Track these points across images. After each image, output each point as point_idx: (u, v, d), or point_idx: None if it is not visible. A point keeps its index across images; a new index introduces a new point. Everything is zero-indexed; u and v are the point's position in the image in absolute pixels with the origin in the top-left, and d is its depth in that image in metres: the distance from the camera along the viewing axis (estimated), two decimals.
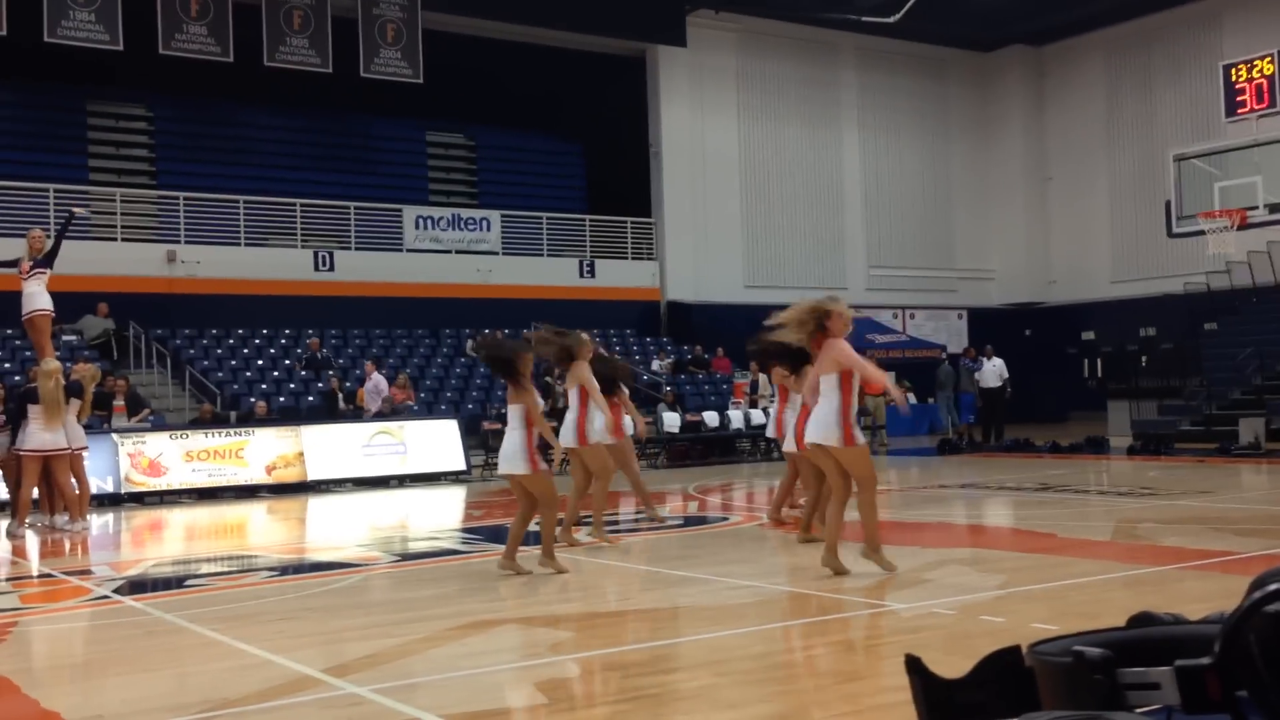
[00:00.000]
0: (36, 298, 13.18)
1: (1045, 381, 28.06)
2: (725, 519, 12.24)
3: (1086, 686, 2.17)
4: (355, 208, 23.95)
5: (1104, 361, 28.40)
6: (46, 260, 13.34)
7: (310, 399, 19.60)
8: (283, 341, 21.91)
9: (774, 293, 27.48)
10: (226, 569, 9.62)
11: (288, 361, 21.20)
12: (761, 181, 27.93)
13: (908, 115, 30.13)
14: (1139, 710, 2.14)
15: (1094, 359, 29.13)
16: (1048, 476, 15.30)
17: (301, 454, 16.71)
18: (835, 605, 6.89)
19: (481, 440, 18.38)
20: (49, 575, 9.58)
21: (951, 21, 28.86)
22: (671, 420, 20.51)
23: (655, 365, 23.87)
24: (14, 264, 13.44)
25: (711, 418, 21.16)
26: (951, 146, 30.97)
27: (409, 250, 24.10)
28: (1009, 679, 2.28)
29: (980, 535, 10.67)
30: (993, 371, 22.35)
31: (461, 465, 17.84)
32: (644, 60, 27.17)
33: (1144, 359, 25.64)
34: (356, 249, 23.67)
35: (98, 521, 13.49)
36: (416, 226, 24.37)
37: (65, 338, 18.55)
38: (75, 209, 14.70)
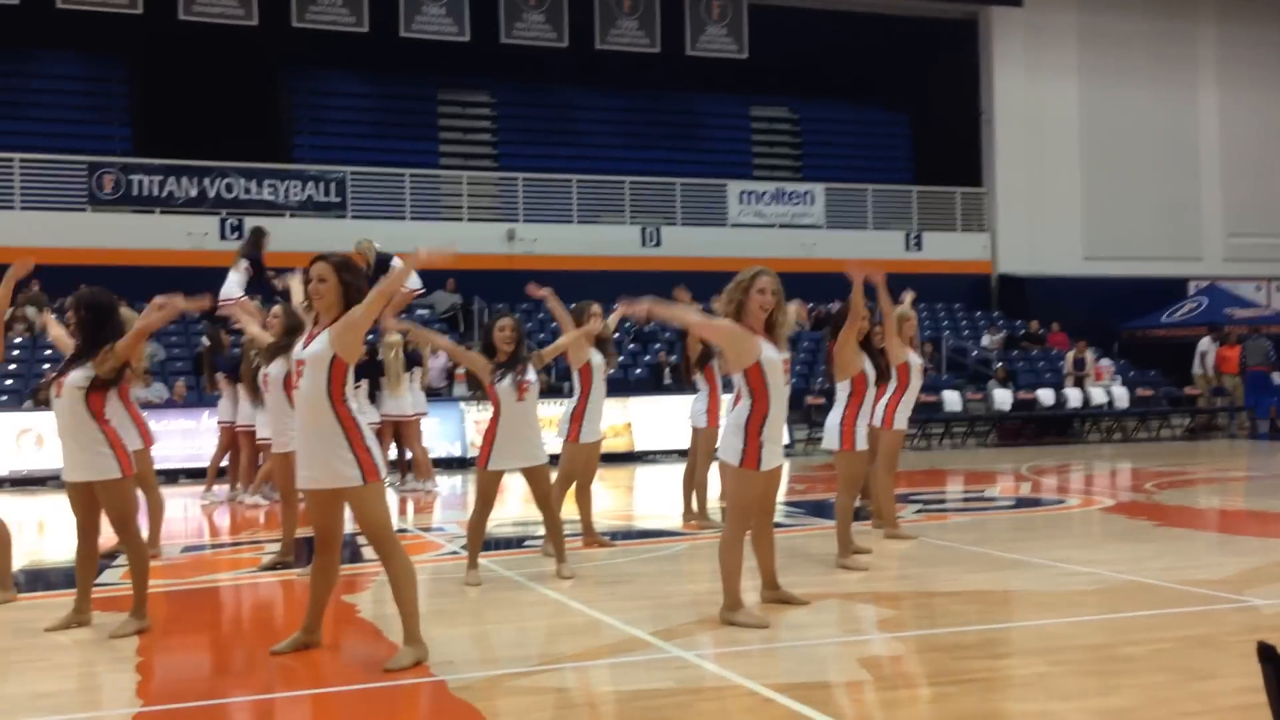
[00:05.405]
0: None
1: None
2: (1061, 501, 11.66)
3: None
4: (681, 184, 24.42)
5: None
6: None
7: (638, 371, 20.19)
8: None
9: (1117, 264, 25.89)
10: None
11: (617, 334, 21.92)
12: (1103, 146, 26.23)
13: (1276, 69, 27.42)
14: None
15: None
16: None
17: (629, 424, 17.30)
18: (1184, 597, 6.41)
19: (805, 414, 18.34)
20: (404, 531, 10.37)
21: None
22: (1003, 398, 19.73)
23: (985, 340, 23.01)
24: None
25: (1046, 396, 20.19)
26: None
27: (733, 225, 24.34)
28: None
29: None
30: None
31: (785, 439, 17.86)
32: (975, 23, 26.10)
33: None
34: (682, 224, 24.15)
35: (446, 483, 14.48)
36: (740, 201, 24.57)
37: (418, 312, 19.96)
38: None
